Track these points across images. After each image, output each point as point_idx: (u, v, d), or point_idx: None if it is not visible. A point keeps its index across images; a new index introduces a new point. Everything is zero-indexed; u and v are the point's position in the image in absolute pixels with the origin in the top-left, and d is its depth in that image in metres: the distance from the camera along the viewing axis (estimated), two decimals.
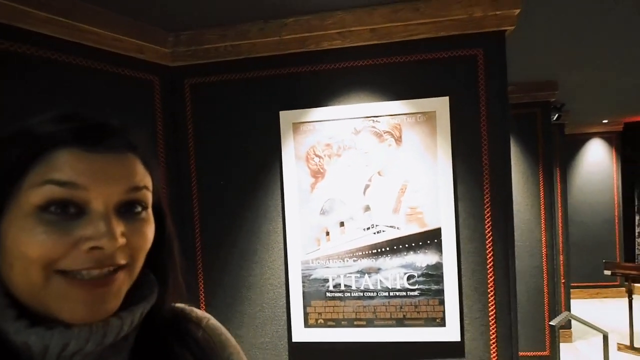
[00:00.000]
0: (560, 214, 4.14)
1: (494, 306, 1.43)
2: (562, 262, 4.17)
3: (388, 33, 1.42)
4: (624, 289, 5.56)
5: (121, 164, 0.35)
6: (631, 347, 3.96)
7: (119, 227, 0.34)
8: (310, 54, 1.49)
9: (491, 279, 1.43)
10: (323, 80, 1.49)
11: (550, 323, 2.21)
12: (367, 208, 1.46)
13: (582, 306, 5.13)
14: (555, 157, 4.16)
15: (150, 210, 0.39)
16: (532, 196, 2.75)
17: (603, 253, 5.21)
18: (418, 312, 1.44)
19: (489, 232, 1.42)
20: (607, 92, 3.52)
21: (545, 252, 2.76)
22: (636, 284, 5.57)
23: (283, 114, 1.48)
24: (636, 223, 5.47)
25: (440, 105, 1.40)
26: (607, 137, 5.21)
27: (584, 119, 4.82)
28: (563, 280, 4.19)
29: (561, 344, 4.25)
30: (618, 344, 4.11)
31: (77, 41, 1.30)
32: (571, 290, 5.34)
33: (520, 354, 2.82)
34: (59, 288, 0.32)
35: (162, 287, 0.42)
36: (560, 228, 4.14)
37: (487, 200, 1.42)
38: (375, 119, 1.45)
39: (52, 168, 0.32)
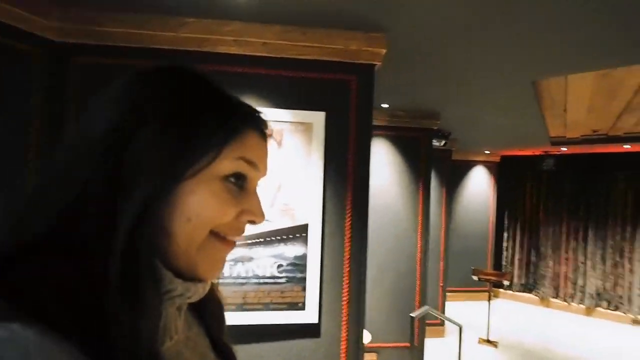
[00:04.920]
0: (443, 227, 4.83)
1: (347, 293, 1.68)
2: (441, 268, 4.86)
3: (278, 48, 1.61)
4: (492, 292, 6.64)
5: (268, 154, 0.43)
6: (487, 340, 4.76)
7: None
8: (207, 54, 1.60)
9: (347, 270, 1.69)
10: (217, 80, 1.60)
11: (410, 315, 2.60)
12: None
13: (459, 306, 5.99)
14: (443, 178, 4.86)
15: None
16: (412, 208, 3.21)
17: (478, 262, 6.17)
18: (283, 297, 1.63)
19: (348, 230, 1.68)
20: (486, 128, 4.26)
21: (420, 257, 3.23)
22: (501, 289, 6.70)
23: None
24: (504, 239, 6.61)
25: (317, 118, 1.63)
26: (488, 165, 6.23)
27: (470, 148, 5.71)
28: (441, 284, 4.88)
29: (434, 338, 4.92)
30: (479, 338, 4.91)
31: None
32: (453, 292, 6.20)
33: (389, 344, 3.24)
34: (213, 247, 0.38)
35: None
36: (442, 239, 4.83)
37: (348, 202, 1.68)
38: None
39: (245, 147, 0.39)
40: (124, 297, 0.30)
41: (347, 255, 1.68)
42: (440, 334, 4.89)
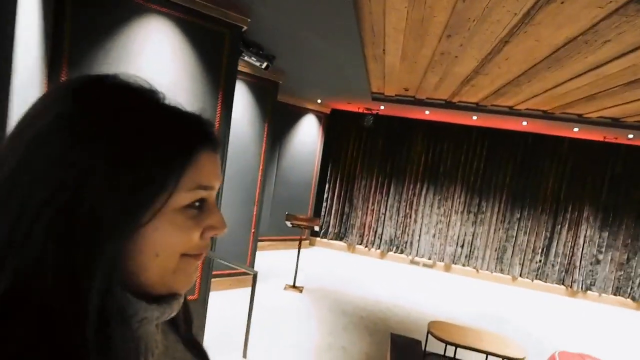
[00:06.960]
0: (261, 168, 4.38)
1: None
2: (255, 213, 4.46)
3: None
4: (308, 241, 6.89)
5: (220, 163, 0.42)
6: (293, 286, 4.75)
7: None
8: None
9: None
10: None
11: None
12: None
13: (278, 255, 5.89)
14: (266, 113, 4.35)
15: None
16: None
17: (301, 211, 6.17)
18: None
19: None
20: (312, 63, 3.87)
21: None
22: (317, 238, 7.02)
23: None
24: (325, 190, 6.88)
25: None
26: (319, 115, 6.15)
27: (302, 93, 5.40)
28: (253, 230, 4.50)
29: (239, 289, 4.59)
30: (286, 284, 4.87)
31: None
32: (273, 241, 6.02)
33: None
34: (186, 266, 0.39)
35: None
36: (259, 182, 4.39)
37: None
38: None
39: (200, 173, 0.37)
40: (103, 346, 0.31)
41: None
42: (247, 284, 4.58)
